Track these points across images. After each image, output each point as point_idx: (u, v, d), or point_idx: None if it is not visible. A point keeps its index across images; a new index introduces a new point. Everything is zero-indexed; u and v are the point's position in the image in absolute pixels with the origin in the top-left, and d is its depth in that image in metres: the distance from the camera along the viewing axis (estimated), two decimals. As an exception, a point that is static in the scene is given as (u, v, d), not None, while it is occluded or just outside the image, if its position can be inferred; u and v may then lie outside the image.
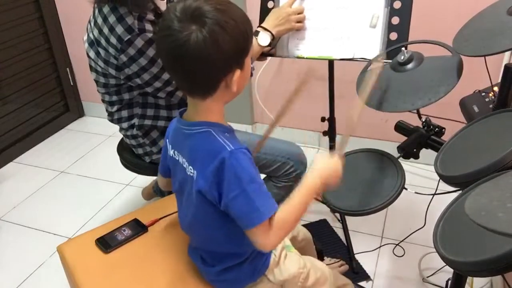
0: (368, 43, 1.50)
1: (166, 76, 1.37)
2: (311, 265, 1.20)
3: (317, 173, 1.00)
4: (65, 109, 3.01)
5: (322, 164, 1.02)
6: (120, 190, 2.31)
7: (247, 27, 0.92)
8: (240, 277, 1.11)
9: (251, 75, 1.47)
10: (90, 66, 1.48)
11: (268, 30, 1.50)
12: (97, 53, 1.39)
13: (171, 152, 1.07)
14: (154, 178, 2.12)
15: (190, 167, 0.98)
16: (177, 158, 1.04)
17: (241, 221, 0.94)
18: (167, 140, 1.09)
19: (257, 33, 1.50)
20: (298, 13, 1.55)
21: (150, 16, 1.34)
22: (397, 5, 1.47)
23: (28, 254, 1.93)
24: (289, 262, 1.16)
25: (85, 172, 2.49)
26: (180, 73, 0.94)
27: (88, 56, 1.45)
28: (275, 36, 1.52)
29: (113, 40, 1.31)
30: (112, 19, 1.30)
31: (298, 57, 1.61)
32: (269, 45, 1.53)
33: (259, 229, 0.92)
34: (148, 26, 1.31)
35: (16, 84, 2.64)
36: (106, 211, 2.17)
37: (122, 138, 1.73)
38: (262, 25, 1.52)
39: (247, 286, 1.12)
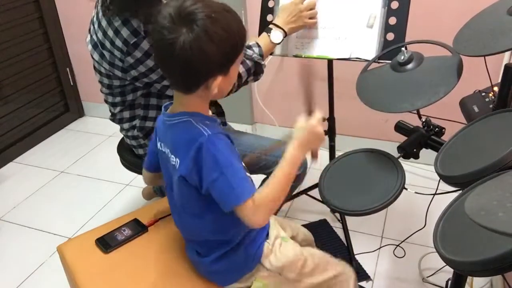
0: (365, 43, 1.50)
1: None
2: (308, 253, 1.20)
3: (296, 144, 1.02)
4: (65, 109, 3.01)
5: (298, 133, 1.04)
6: (120, 190, 2.31)
7: (238, 39, 0.94)
8: (234, 266, 1.12)
9: (262, 72, 1.47)
10: (94, 67, 1.48)
11: (281, 28, 1.49)
12: (102, 55, 1.38)
13: (159, 145, 1.09)
14: (154, 178, 2.12)
15: (173, 156, 1.01)
16: (163, 150, 1.07)
17: (222, 203, 0.97)
18: (156, 134, 1.12)
19: (269, 30, 1.48)
20: (310, 9, 1.52)
21: None
22: (394, 5, 1.47)
23: (28, 254, 1.93)
24: (285, 249, 1.16)
25: (85, 172, 2.49)
26: (164, 69, 0.99)
27: (92, 58, 1.45)
28: (288, 34, 1.50)
29: (118, 43, 1.31)
30: (117, 22, 1.30)
31: (296, 56, 1.61)
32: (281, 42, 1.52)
33: (242, 208, 0.95)
34: None
35: (16, 84, 2.64)
36: (106, 211, 2.17)
37: (123, 138, 1.73)
38: (274, 22, 1.50)
39: (244, 276, 1.13)
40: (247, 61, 1.39)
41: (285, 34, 1.50)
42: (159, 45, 0.92)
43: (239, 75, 1.38)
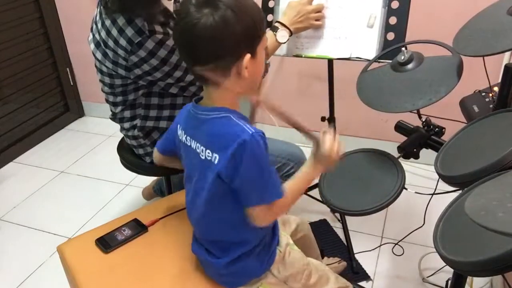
0: (365, 43, 1.50)
1: (178, 74, 1.37)
2: (313, 265, 1.22)
3: (315, 165, 1.07)
4: (65, 109, 3.01)
5: (322, 155, 1.06)
6: (120, 190, 2.31)
7: (259, 16, 0.96)
8: (247, 270, 1.11)
9: (267, 71, 1.47)
10: (96, 67, 1.48)
11: (287, 27, 1.48)
12: (105, 54, 1.38)
13: (183, 137, 1.07)
14: (154, 178, 2.12)
15: (208, 151, 0.99)
16: (189, 144, 1.05)
17: (250, 198, 0.98)
18: (179, 125, 1.10)
19: (275, 28, 1.48)
20: (317, 11, 1.52)
21: (160, 17, 1.33)
22: (394, 5, 1.47)
23: (28, 254, 1.93)
24: (293, 258, 1.17)
25: (85, 172, 2.49)
26: (191, 56, 0.96)
27: (95, 57, 1.44)
28: (293, 33, 1.50)
29: (122, 42, 1.30)
30: (121, 21, 1.30)
31: (296, 56, 1.61)
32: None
33: (262, 208, 0.99)
34: (158, 28, 1.31)
35: (16, 84, 2.64)
36: (106, 211, 2.17)
37: (122, 138, 1.73)
38: (280, 20, 1.49)
39: (251, 281, 1.13)
40: None
41: (291, 34, 1.49)
42: (183, 31, 0.92)
43: None
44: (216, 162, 0.98)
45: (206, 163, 1.00)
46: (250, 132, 0.94)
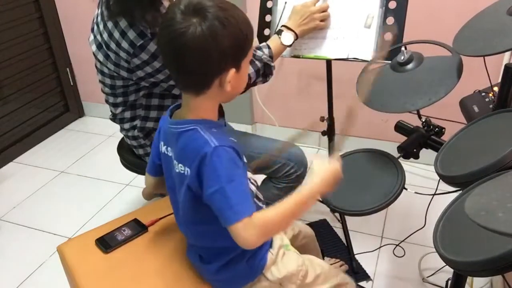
0: (363, 44, 1.50)
1: None
2: (310, 262, 1.19)
3: (316, 180, 0.99)
4: (65, 109, 3.01)
5: (320, 170, 1.01)
6: (120, 190, 2.31)
7: (247, 30, 0.94)
8: (238, 276, 1.11)
9: (271, 74, 1.46)
10: (96, 67, 1.48)
11: (292, 30, 1.49)
12: (106, 56, 1.38)
13: (163, 148, 1.07)
14: (154, 178, 2.12)
15: (180, 165, 0.99)
16: (170, 154, 1.05)
17: (220, 218, 0.94)
18: (159, 137, 1.09)
19: (280, 32, 1.48)
20: (322, 11, 1.51)
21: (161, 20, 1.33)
22: (392, 5, 1.47)
23: (28, 254, 1.93)
24: (287, 260, 1.15)
25: (85, 172, 2.49)
26: (176, 65, 0.95)
27: (96, 58, 1.44)
28: (299, 36, 1.50)
29: (124, 44, 1.30)
30: (123, 23, 1.30)
31: (294, 56, 1.61)
32: (291, 44, 1.51)
33: (237, 227, 0.90)
34: None
35: (16, 84, 2.64)
36: (106, 211, 2.17)
37: (122, 138, 1.73)
38: (285, 24, 1.50)
39: (245, 286, 1.12)
40: (257, 62, 1.39)
41: (296, 37, 1.49)
42: (170, 39, 0.90)
43: (248, 76, 1.37)
44: (187, 175, 0.97)
45: (181, 176, 0.99)
46: (213, 146, 0.92)
